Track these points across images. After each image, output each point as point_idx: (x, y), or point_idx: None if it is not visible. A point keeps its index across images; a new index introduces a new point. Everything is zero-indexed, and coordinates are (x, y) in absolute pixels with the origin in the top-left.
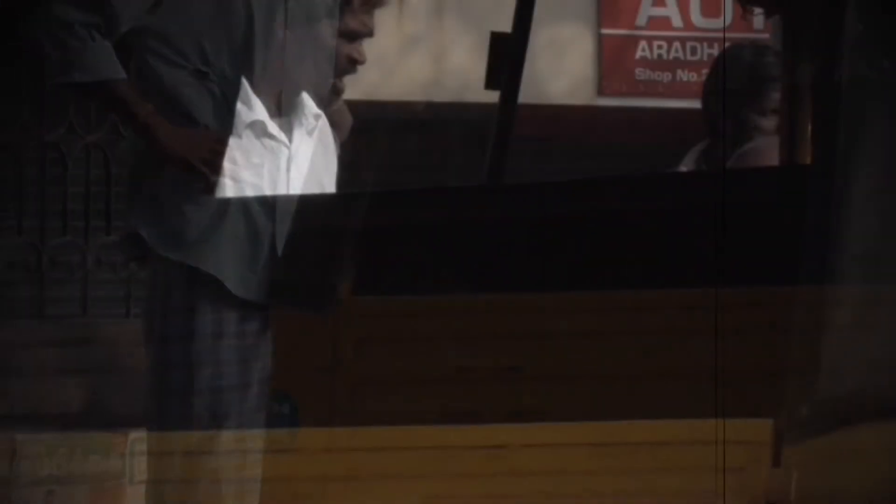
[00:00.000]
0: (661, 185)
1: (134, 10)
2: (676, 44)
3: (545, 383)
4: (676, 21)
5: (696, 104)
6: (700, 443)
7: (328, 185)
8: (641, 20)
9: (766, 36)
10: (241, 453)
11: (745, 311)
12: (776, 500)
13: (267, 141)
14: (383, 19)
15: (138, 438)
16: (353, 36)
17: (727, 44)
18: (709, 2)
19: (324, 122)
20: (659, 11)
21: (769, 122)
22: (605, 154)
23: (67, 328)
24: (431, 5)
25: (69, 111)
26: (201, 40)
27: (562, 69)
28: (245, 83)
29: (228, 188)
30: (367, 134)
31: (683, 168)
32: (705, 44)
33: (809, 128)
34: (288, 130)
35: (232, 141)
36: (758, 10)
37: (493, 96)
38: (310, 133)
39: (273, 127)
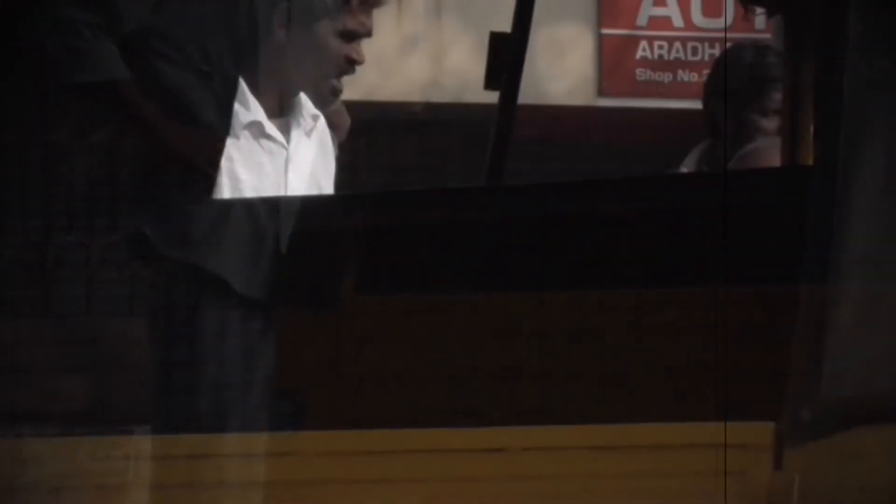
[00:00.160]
0: (663, 186)
1: (137, 9)
2: (677, 44)
3: (546, 384)
4: (677, 21)
5: (697, 105)
6: (701, 445)
7: (326, 185)
8: (642, 20)
9: (767, 36)
10: (244, 455)
11: (748, 311)
12: (778, 503)
13: (265, 142)
14: (382, 19)
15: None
16: (351, 36)
17: (728, 44)
18: (710, 2)
19: (322, 122)
20: (660, 11)
21: (770, 123)
22: (605, 155)
23: (71, 326)
24: (430, 5)
25: (72, 111)
26: (204, 40)
27: (562, 69)
28: (243, 84)
29: (227, 189)
30: (366, 135)
31: (684, 169)
32: (706, 44)
33: (811, 128)
34: (286, 131)
35: (230, 142)
36: (759, 10)
37: (492, 97)
38: (308, 134)
39: (271, 128)
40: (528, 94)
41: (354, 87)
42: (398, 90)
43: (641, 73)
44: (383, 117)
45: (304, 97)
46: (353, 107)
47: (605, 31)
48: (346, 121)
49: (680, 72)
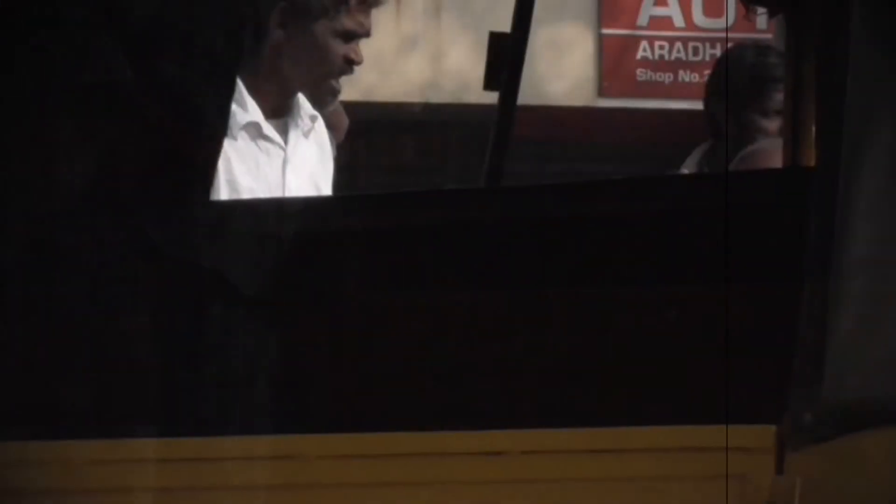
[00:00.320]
0: (664, 187)
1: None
2: (678, 44)
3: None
4: (678, 21)
5: (698, 105)
6: (702, 449)
7: (324, 186)
8: (643, 20)
9: (769, 36)
10: (246, 457)
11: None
12: None
13: (262, 143)
14: (381, 19)
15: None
16: (349, 36)
17: (730, 44)
18: (711, 2)
19: (320, 123)
20: (660, 11)
21: (772, 124)
22: (605, 156)
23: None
24: (429, 5)
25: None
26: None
27: (562, 70)
28: (240, 84)
29: (224, 190)
30: (365, 136)
31: (685, 170)
32: (707, 44)
33: (813, 129)
34: (284, 132)
35: (227, 143)
36: (761, 10)
37: (491, 97)
38: (306, 135)
39: (269, 129)
40: (527, 94)
41: (353, 88)
42: (397, 91)
43: (642, 74)
44: (382, 118)
45: (301, 98)
46: (352, 107)
47: (606, 31)
48: (344, 122)
49: (681, 72)
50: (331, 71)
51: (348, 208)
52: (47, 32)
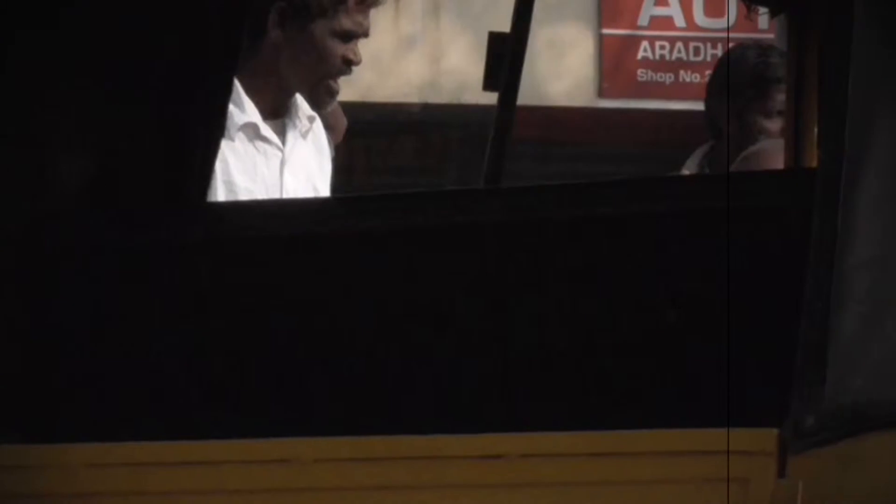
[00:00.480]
0: (664, 188)
1: None
2: (679, 44)
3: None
4: (679, 21)
5: (699, 106)
6: (703, 452)
7: (322, 188)
8: (643, 20)
9: (770, 36)
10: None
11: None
12: None
13: (260, 144)
14: (379, 19)
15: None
16: (347, 36)
17: (731, 44)
18: (712, 1)
19: (318, 124)
20: (661, 11)
21: (774, 124)
22: (606, 157)
23: None
24: (428, 5)
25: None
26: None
27: (562, 70)
28: (237, 85)
29: (221, 191)
30: (363, 136)
31: (686, 171)
32: (709, 44)
33: (815, 130)
34: (281, 133)
35: (224, 143)
36: (762, 10)
37: (491, 98)
38: (304, 135)
39: (266, 129)
40: (527, 95)
41: (351, 88)
42: (395, 91)
43: (643, 74)
44: (380, 118)
45: (299, 98)
46: (350, 108)
47: (606, 31)
48: (342, 122)
49: (682, 72)
50: (329, 71)
51: (346, 209)
52: (47, 32)
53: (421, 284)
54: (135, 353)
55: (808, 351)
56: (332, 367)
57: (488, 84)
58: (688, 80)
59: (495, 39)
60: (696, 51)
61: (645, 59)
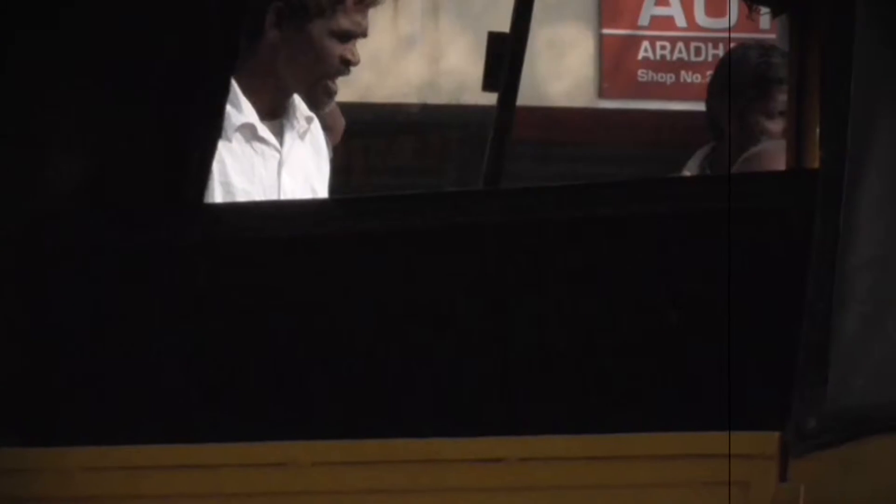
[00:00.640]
0: (665, 189)
1: None
2: (680, 44)
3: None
4: (680, 21)
5: (700, 107)
6: (704, 456)
7: (320, 189)
8: (644, 20)
9: (772, 36)
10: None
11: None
12: None
13: (257, 144)
14: (378, 19)
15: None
16: (346, 36)
17: (732, 44)
18: (713, 1)
19: (316, 125)
20: (662, 11)
21: (776, 125)
22: (606, 158)
23: None
24: (427, 4)
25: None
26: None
27: (562, 71)
28: (235, 85)
29: (218, 192)
30: (361, 137)
31: (687, 172)
32: (710, 44)
33: (817, 131)
34: (279, 134)
35: (221, 144)
36: (764, 10)
37: (490, 98)
38: (301, 136)
39: (264, 130)
40: (527, 95)
41: (349, 89)
42: (394, 91)
43: (643, 75)
44: (379, 119)
45: (297, 99)
46: (349, 109)
47: (606, 31)
48: (340, 123)
49: (683, 73)
50: (327, 71)
51: (345, 211)
52: (47, 32)
53: (420, 286)
54: (131, 353)
55: (809, 352)
56: (331, 368)
57: (488, 84)
58: (689, 80)
59: (495, 39)
60: (698, 51)
61: (645, 59)
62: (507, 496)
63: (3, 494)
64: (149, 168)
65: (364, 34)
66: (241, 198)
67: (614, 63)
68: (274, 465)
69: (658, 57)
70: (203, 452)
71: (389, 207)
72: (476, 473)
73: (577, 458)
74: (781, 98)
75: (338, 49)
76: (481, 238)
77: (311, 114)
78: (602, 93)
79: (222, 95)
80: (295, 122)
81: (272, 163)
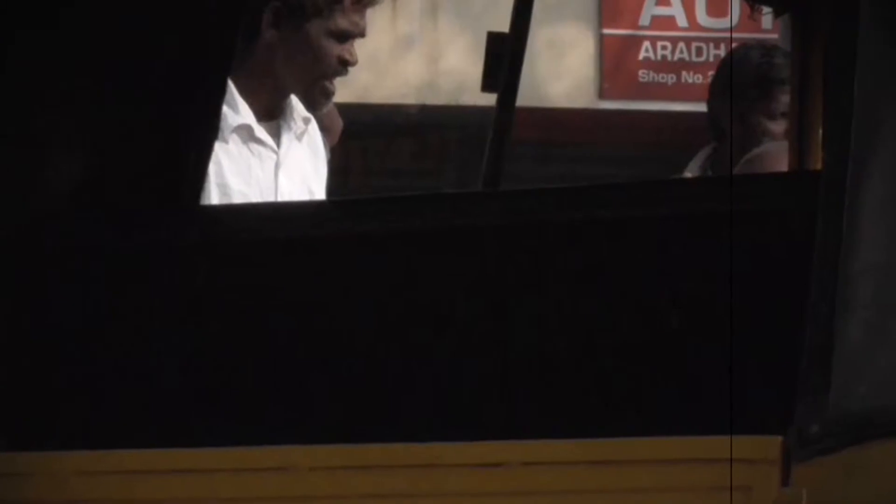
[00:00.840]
0: (666, 191)
1: None
2: (681, 44)
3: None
4: (681, 21)
5: (701, 107)
6: (706, 460)
7: (318, 190)
8: (645, 20)
9: (774, 36)
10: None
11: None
12: None
13: (254, 146)
14: (376, 19)
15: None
16: (343, 36)
17: (734, 44)
18: (715, 1)
19: (313, 125)
20: (663, 11)
21: (778, 126)
22: (606, 159)
23: None
24: (426, 4)
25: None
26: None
27: (562, 71)
28: (231, 86)
29: (214, 194)
30: (359, 138)
31: (689, 174)
32: (711, 44)
33: (820, 132)
34: (276, 135)
35: (218, 145)
36: (766, 10)
37: (490, 99)
38: (299, 137)
39: (261, 131)
40: (526, 96)
41: (347, 89)
42: (393, 92)
43: (644, 75)
44: (377, 120)
45: (294, 99)
46: (347, 109)
47: (607, 31)
48: (338, 124)
49: (684, 73)
50: (325, 72)
51: (342, 212)
52: (47, 32)
53: (419, 288)
54: (129, 354)
55: (812, 356)
56: (330, 370)
57: (487, 85)
58: (690, 80)
59: (494, 39)
60: (699, 51)
61: (646, 59)
62: (508, 501)
63: None
64: (146, 169)
65: (362, 34)
66: (237, 200)
67: (615, 63)
68: (272, 469)
69: (659, 57)
70: (199, 457)
71: (388, 209)
72: (477, 478)
73: (578, 463)
74: (783, 99)
75: (335, 49)
76: (481, 239)
77: (309, 115)
78: (602, 93)
79: (219, 96)
80: (292, 123)
81: (269, 164)
